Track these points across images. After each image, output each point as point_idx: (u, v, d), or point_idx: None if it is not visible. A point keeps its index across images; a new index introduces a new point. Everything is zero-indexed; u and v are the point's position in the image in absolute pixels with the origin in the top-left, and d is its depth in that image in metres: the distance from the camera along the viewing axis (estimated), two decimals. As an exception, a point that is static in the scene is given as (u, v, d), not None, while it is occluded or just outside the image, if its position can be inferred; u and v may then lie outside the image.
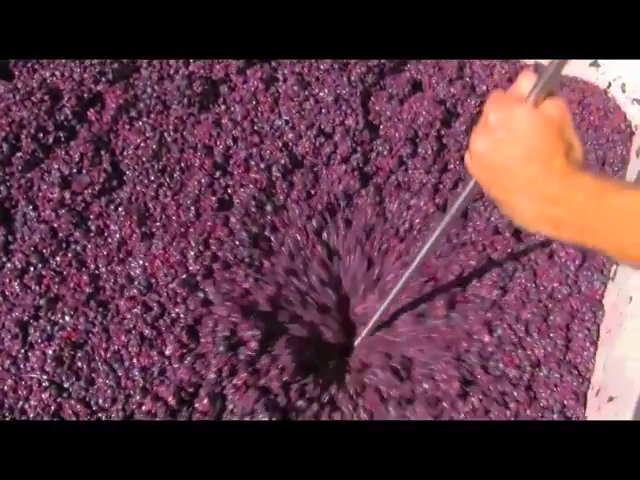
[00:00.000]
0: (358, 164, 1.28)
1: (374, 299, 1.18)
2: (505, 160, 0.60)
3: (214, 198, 1.18)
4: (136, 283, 1.07)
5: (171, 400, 0.98)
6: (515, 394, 1.07)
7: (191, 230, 1.14)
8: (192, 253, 1.11)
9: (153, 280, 1.08)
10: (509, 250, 1.22)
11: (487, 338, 1.12)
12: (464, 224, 1.26)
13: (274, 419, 0.99)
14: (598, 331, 1.14)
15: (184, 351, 1.03)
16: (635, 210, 0.53)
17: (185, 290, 1.08)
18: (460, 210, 0.82)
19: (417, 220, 1.25)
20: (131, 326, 1.03)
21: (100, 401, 0.97)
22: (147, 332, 1.02)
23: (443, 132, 1.35)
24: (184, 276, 1.09)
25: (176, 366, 1.01)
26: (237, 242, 1.16)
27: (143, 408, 0.97)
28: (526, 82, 0.60)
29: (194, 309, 1.07)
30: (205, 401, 0.99)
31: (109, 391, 0.98)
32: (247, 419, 0.98)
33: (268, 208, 1.21)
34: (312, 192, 1.26)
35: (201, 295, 1.08)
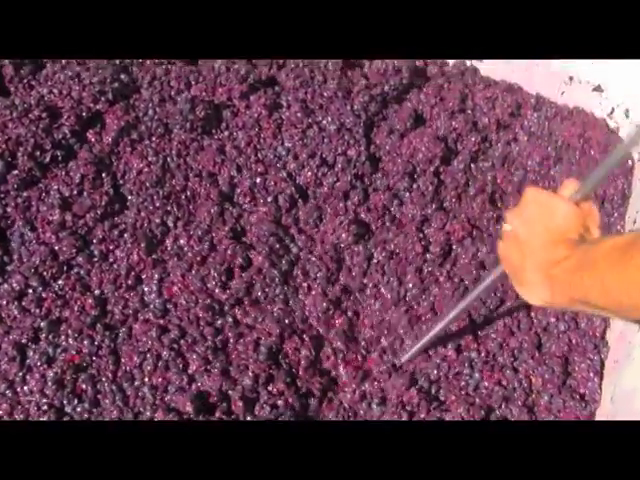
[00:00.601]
0: (359, 199, 1.37)
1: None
2: (530, 232, 0.78)
3: (227, 228, 1.27)
4: (151, 307, 1.15)
5: (188, 407, 1.05)
6: (515, 413, 1.16)
7: (210, 260, 1.23)
8: (214, 282, 1.20)
9: (170, 305, 1.16)
10: (498, 284, 1.28)
11: (454, 356, 1.21)
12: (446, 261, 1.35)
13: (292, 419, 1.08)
14: (602, 362, 1.22)
15: (208, 367, 1.10)
16: (616, 247, 0.63)
17: (209, 315, 1.16)
18: (476, 298, 1.08)
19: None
20: (146, 349, 1.10)
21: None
22: (165, 353, 1.10)
23: (441, 169, 1.45)
24: (208, 301, 1.17)
25: (198, 379, 1.09)
26: (267, 279, 1.24)
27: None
28: (570, 187, 0.80)
29: (226, 332, 1.15)
30: (239, 403, 1.07)
31: (115, 412, 1.04)
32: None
33: (288, 243, 1.31)
34: (316, 238, 1.34)
35: (230, 319, 1.16)
